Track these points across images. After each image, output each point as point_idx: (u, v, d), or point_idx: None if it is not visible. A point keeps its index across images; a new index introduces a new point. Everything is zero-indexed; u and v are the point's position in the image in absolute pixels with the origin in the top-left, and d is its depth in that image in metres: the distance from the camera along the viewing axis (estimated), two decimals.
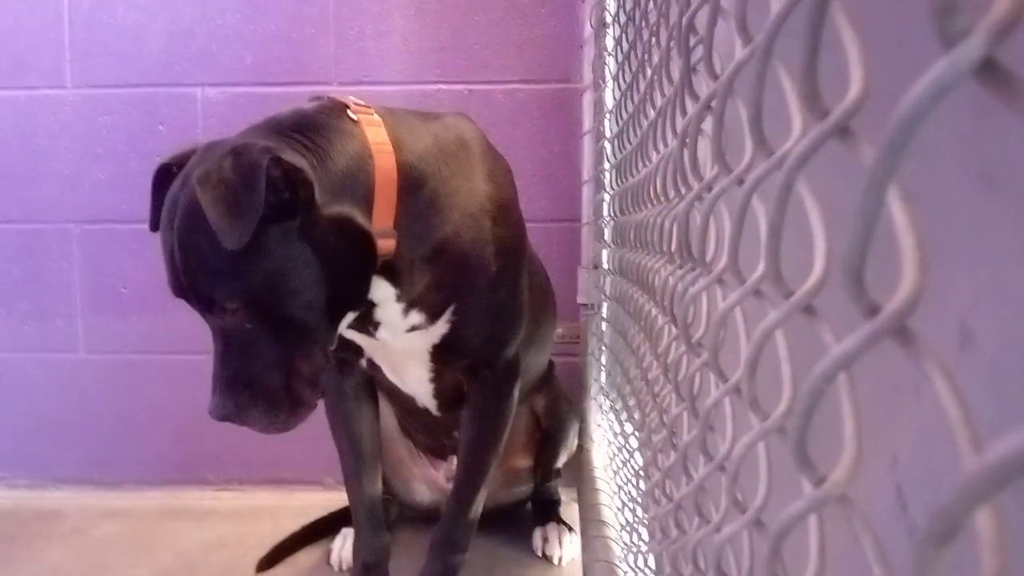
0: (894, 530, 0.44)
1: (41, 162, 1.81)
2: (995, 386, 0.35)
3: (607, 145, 1.47)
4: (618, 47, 1.28)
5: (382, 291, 1.04)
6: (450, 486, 1.28)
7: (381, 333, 1.11)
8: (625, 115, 1.12)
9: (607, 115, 1.50)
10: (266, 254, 0.89)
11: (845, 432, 0.25)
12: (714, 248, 0.48)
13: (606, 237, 1.51)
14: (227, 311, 0.90)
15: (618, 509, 1.24)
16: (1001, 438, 0.14)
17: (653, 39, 0.83)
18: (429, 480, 1.52)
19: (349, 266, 0.96)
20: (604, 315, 1.56)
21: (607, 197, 1.48)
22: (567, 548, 1.47)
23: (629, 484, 1.07)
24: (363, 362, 1.24)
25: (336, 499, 1.64)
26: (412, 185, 1.02)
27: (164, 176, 0.97)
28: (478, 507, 1.25)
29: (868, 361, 0.27)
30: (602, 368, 1.61)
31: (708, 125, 0.48)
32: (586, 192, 1.72)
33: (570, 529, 1.52)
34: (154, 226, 0.98)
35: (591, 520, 1.31)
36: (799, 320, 0.31)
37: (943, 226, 0.39)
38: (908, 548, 0.25)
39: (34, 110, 1.80)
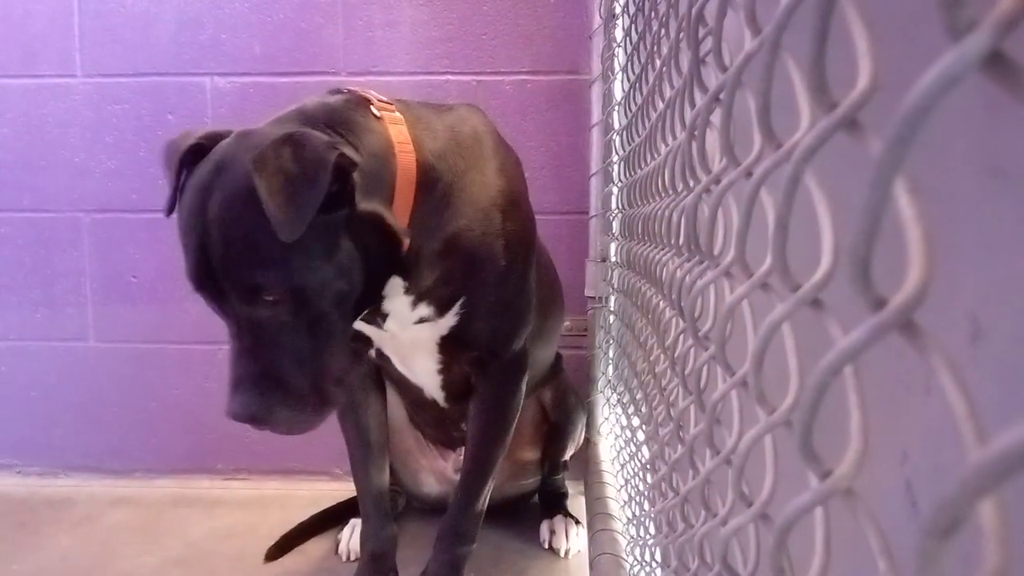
0: (903, 526, 0.44)
1: (51, 151, 1.82)
2: (1005, 381, 0.35)
3: (616, 137, 1.47)
4: (627, 38, 1.27)
5: (391, 284, 1.04)
6: (458, 477, 1.29)
7: (389, 324, 1.11)
8: (634, 107, 1.12)
9: (616, 107, 1.49)
10: (315, 245, 0.88)
11: (851, 426, 0.25)
12: (722, 241, 0.48)
13: (614, 230, 1.50)
14: (265, 303, 0.87)
15: (625, 502, 1.24)
16: (1005, 430, 0.14)
17: (662, 30, 0.83)
18: (437, 472, 1.52)
19: (379, 262, 0.96)
20: (612, 308, 1.56)
21: (615, 190, 1.48)
22: (574, 541, 1.48)
23: (636, 478, 1.07)
24: (372, 352, 1.25)
25: (344, 489, 1.65)
26: (428, 183, 1.02)
27: (193, 156, 0.93)
28: (485, 499, 1.25)
29: (879, 358, 0.27)
30: (609, 361, 1.61)
31: (716, 117, 0.48)
32: (594, 184, 1.72)
33: (577, 522, 1.52)
34: (171, 211, 0.94)
35: (598, 513, 1.32)
36: (806, 313, 0.31)
37: (952, 220, 0.39)
38: (882, 541, 0.25)
39: (44, 99, 1.80)
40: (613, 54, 1.50)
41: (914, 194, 0.21)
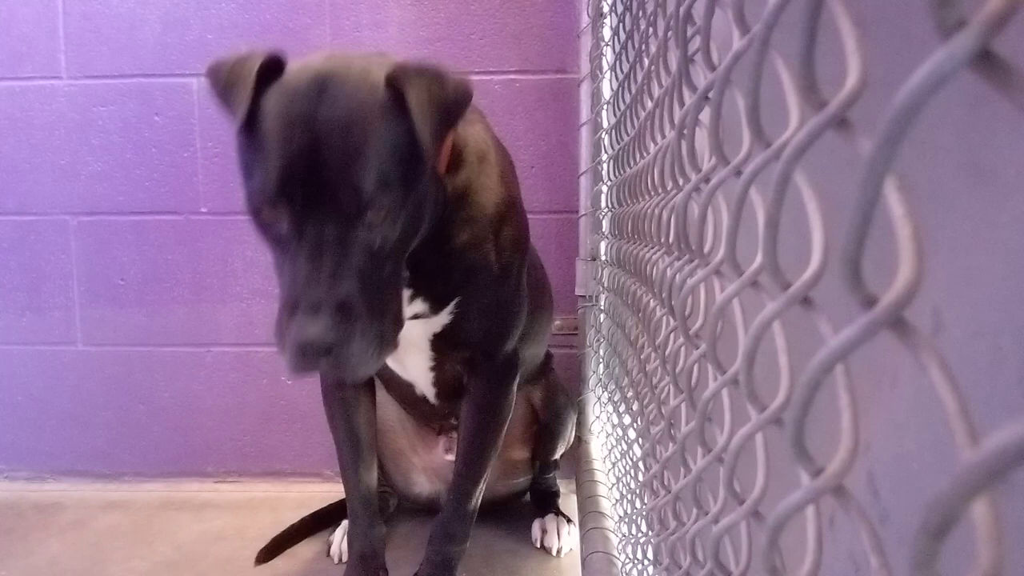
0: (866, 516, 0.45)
1: (36, 153, 1.80)
2: (963, 373, 0.35)
3: (604, 136, 1.47)
4: (615, 37, 1.27)
5: None
6: (449, 458, 1.28)
7: None
8: (622, 105, 1.12)
9: (604, 105, 1.49)
10: (425, 177, 0.89)
11: (843, 423, 0.25)
12: (712, 239, 0.48)
13: (604, 228, 1.51)
14: (364, 223, 0.84)
15: (616, 500, 1.24)
16: (999, 429, 0.14)
17: (650, 29, 0.83)
18: (429, 469, 1.52)
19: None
20: (602, 307, 1.56)
21: (605, 188, 1.48)
22: (565, 539, 1.48)
23: (627, 476, 1.07)
24: None
25: (335, 491, 1.65)
26: (455, 166, 1.04)
27: (269, 70, 0.87)
28: (478, 499, 1.25)
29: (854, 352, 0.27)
30: (600, 360, 1.61)
31: (705, 116, 0.48)
32: (583, 183, 1.72)
33: (568, 520, 1.52)
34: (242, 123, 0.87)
35: (589, 511, 1.32)
36: (796, 312, 0.31)
37: (928, 216, 0.39)
38: (880, 534, 0.25)
39: (29, 101, 1.79)
40: (601, 53, 1.50)
41: (903, 192, 0.21)
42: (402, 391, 1.35)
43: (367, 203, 0.83)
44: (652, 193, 0.77)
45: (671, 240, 0.61)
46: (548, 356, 1.58)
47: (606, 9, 1.47)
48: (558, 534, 1.48)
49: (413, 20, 1.75)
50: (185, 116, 1.77)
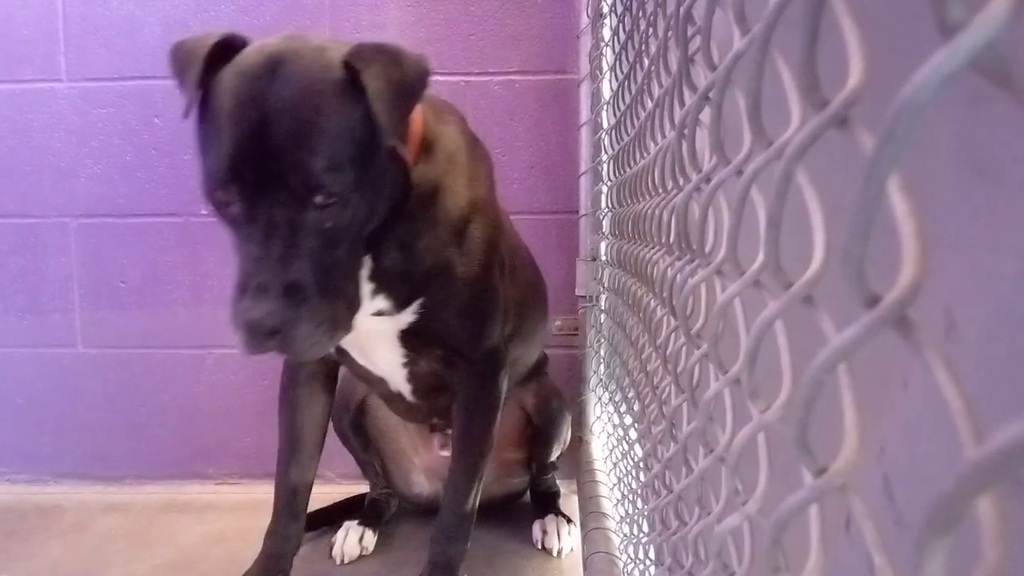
0: (881, 519, 0.44)
1: (36, 156, 1.80)
2: (976, 375, 0.35)
3: (604, 136, 1.47)
4: (615, 37, 1.27)
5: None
6: (444, 454, 1.28)
7: None
8: (622, 106, 1.12)
9: (604, 106, 1.49)
10: (379, 158, 0.88)
11: (846, 422, 0.25)
12: (713, 239, 0.48)
13: (604, 228, 1.51)
14: (315, 205, 0.83)
15: (617, 501, 1.24)
16: (1003, 427, 0.14)
17: (650, 29, 0.83)
18: (429, 468, 1.52)
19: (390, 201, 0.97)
20: (602, 307, 1.56)
21: (605, 188, 1.48)
22: (566, 540, 1.48)
23: (628, 476, 1.07)
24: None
25: (336, 492, 1.65)
26: (423, 161, 1.03)
27: (225, 51, 0.88)
28: (474, 499, 1.25)
29: (858, 352, 0.27)
30: (601, 360, 1.61)
31: (706, 115, 0.48)
32: (583, 183, 1.72)
33: (569, 521, 1.52)
34: (188, 112, 0.89)
35: (590, 512, 1.32)
36: (796, 311, 0.31)
37: (931, 215, 0.39)
38: (895, 537, 0.25)
39: (28, 103, 1.79)
40: (601, 53, 1.50)
41: (906, 190, 0.21)
42: (378, 388, 1.34)
43: (316, 184, 0.83)
44: (652, 193, 0.78)
45: (672, 240, 0.61)
46: (543, 358, 1.57)
47: (606, 10, 1.47)
48: (558, 535, 1.48)
49: (413, 21, 1.75)
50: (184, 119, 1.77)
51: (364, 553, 1.46)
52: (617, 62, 1.22)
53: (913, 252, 0.20)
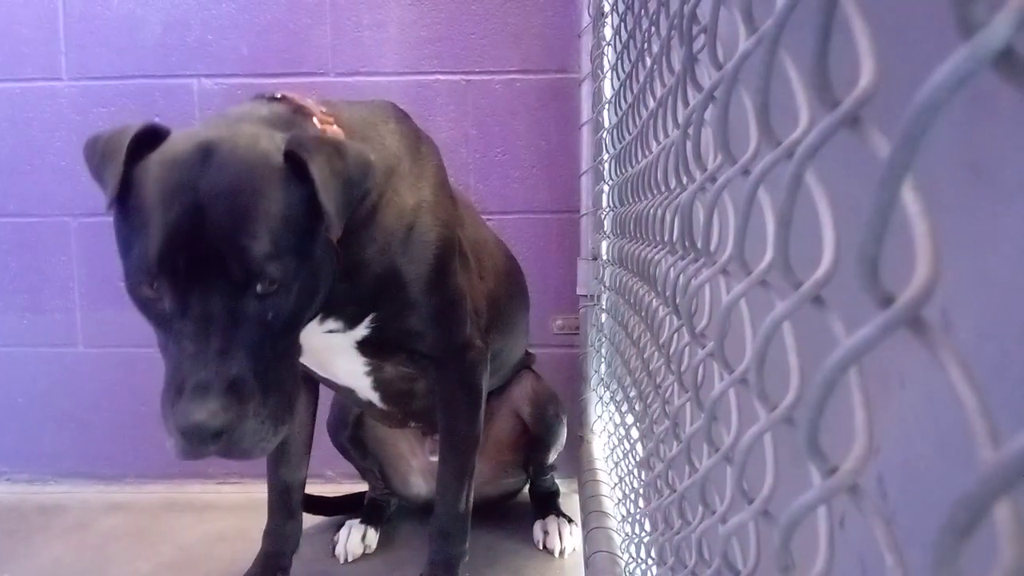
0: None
1: (37, 155, 1.80)
2: (972, 374, 0.35)
3: (606, 135, 1.47)
4: (616, 36, 1.27)
5: None
6: (434, 459, 1.28)
7: None
8: (624, 105, 1.12)
9: (605, 105, 1.49)
10: (320, 244, 0.87)
11: (856, 422, 0.25)
12: (717, 238, 0.48)
13: (605, 228, 1.50)
14: (255, 294, 0.80)
15: (619, 500, 1.24)
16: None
17: (653, 28, 0.83)
18: (426, 470, 1.52)
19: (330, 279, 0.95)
20: (604, 306, 1.56)
21: (606, 187, 1.48)
22: (568, 540, 1.47)
23: (630, 475, 1.07)
24: None
25: (337, 491, 1.65)
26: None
27: (144, 141, 0.85)
28: (467, 499, 1.24)
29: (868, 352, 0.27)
30: (602, 359, 1.61)
31: (709, 114, 0.48)
32: (585, 183, 1.72)
33: (570, 521, 1.52)
34: (113, 199, 0.83)
35: (592, 511, 1.32)
36: (803, 311, 0.31)
37: (932, 215, 0.39)
38: (889, 535, 0.25)
39: (29, 102, 1.79)
40: (602, 52, 1.50)
41: (918, 190, 0.21)
42: (347, 397, 1.33)
43: (258, 271, 0.79)
44: (655, 192, 0.77)
45: (675, 239, 0.61)
46: (527, 356, 1.56)
47: (607, 9, 1.47)
48: (560, 535, 1.48)
49: (414, 20, 1.75)
50: (185, 117, 1.77)
51: (367, 551, 1.46)
52: (619, 61, 1.22)
53: (927, 251, 0.20)
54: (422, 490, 1.54)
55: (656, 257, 0.73)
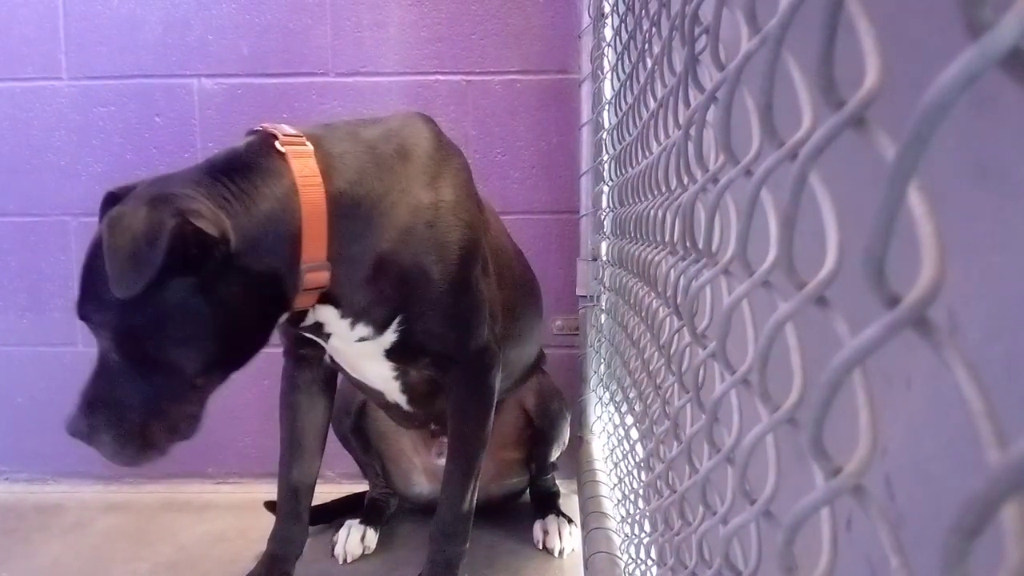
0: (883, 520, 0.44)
1: (37, 154, 1.80)
2: (978, 374, 0.35)
3: (606, 136, 1.47)
4: (617, 37, 1.27)
5: (326, 313, 1.08)
6: (441, 462, 1.29)
7: (333, 341, 1.14)
8: (624, 106, 1.12)
9: (606, 106, 1.49)
10: (156, 303, 0.92)
11: (860, 423, 0.25)
12: (719, 239, 0.48)
13: (605, 228, 1.51)
14: (104, 337, 0.97)
15: (618, 501, 1.24)
16: None
17: (653, 29, 0.83)
18: (428, 469, 1.52)
19: (250, 320, 1.00)
20: (603, 306, 1.56)
21: (606, 188, 1.48)
22: (567, 540, 1.48)
23: (630, 476, 1.07)
24: (327, 358, 1.26)
25: (336, 492, 1.65)
26: (344, 212, 1.03)
27: (109, 204, 0.99)
28: (471, 499, 1.25)
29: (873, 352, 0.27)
30: (601, 360, 1.61)
31: (711, 115, 0.48)
32: (584, 183, 1.72)
33: (570, 521, 1.52)
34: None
35: (591, 512, 1.32)
36: (805, 312, 0.31)
37: (937, 216, 0.39)
38: (894, 537, 0.25)
39: (29, 102, 1.79)
40: (602, 53, 1.50)
41: (924, 191, 0.21)
42: (376, 399, 1.36)
43: (96, 325, 0.98)
44: (656, 193, 0.77)
45: (676, 239, 0.61)
46: (541, 356, 1.57)
47: (607, 9, 1.47)
48: (559, 535, 1.48)
49: (414, 20, 1.75)
50: (186, 117, 1.77)
51: (366, 552, 1.46)
52: (619, 62, 1.22)
53: (932, 252, 0.20)
54: (424, 489, 1.54)
55: (657, 258, 0.73)
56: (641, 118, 0.91)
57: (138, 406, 0.98)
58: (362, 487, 1.62)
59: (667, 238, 0.68)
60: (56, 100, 1.78)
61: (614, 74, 1.34)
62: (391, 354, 1.17)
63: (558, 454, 1.58)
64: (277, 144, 1.01)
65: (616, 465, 1.30)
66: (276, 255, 0.98)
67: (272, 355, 1.82)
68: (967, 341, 0.37)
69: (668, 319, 0.66)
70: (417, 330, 1.13)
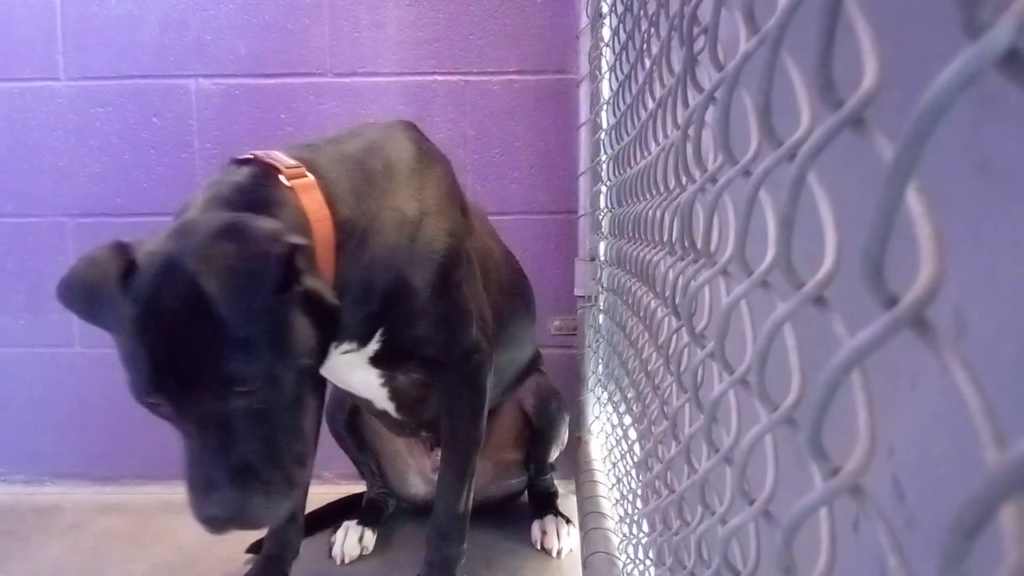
0: (892, 521, 0.44)
1: (35, 155, 1.80)
2: (987, 375, 0.35)
3: (604, 136, 1.47)
4: (615, 37, 1.27)
5: None
6: (436, 477, 1.29)
7: None
8: (622, 106, 1.12)
9: (604, 106, 1.49)
10: (276, 328, 0.87)
11: (859, 423, 0.25)
12: (717, 239, 0.48)
13: (603, 229, 1.51)
14: (238, 393, 0.85)
15: (616, 501, 1.24)
16: None
17: (651, 29, 0.83)
18: (423, 471, 1.52)
19: (327, 330, 0.97)
20: (601, 307, 1.56)
21: (604, 188, 1.48)
22: (565, 540, 1.48)
23: (628, 476, 1.07)
24: None
25: (335, 492, 1.65)
26: (346, 239, 1.03)
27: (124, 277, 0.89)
28: (467, 500, 1.25)
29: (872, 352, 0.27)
30: (600, 360, 1.61)
31: (709, 115, 0.48)
32: (583, 183, 1.72)
33: (568, 521, 1.52)
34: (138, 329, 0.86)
35: (589, 512, 1.32)
36: (804, 312, 0.31)
37: (940, 216, 0.39)
38: (907, 539, 0.25)
39: (27, 102, 1.78)
40: (600, 53, 1.50)
41: (923, 191, 0.21)
42: (366, 407, 1.36)
43: (229, 381, 0.84)
44: (654, 193, 0.77)
45: (675, 239, 0.61)
46: (536, 358, 1.57)
47: (605, 10, 1.47)
48: (558, 535, 1.48)
49: (412, 20, 1.75)
50: (183, 117, 1.77)
51: (364, 553, 1.46)
52: (617, 62, 1.22)
53: (931, 252, 0.20)
54: (420, 490, 1.54)
55: (655, 258, 0.73)
56: (639, 118, 0.91)
57: (279, 451, 0.89)
58: (360, 487, 1.62)
59: (665, 238, 0.68)
60: (54, 101, 1.78)
61: (612, 74, 1.34)
62: (376, 361, 1.16)
63: (556, 454, 1.58)
64: (282, 179, 0.99)
65: (614, 465, 1.30)
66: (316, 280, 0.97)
67: None
68: (976, 342, 0.37)
69: (666, 319, 0.66)
70: (400, 337, 1.13)
